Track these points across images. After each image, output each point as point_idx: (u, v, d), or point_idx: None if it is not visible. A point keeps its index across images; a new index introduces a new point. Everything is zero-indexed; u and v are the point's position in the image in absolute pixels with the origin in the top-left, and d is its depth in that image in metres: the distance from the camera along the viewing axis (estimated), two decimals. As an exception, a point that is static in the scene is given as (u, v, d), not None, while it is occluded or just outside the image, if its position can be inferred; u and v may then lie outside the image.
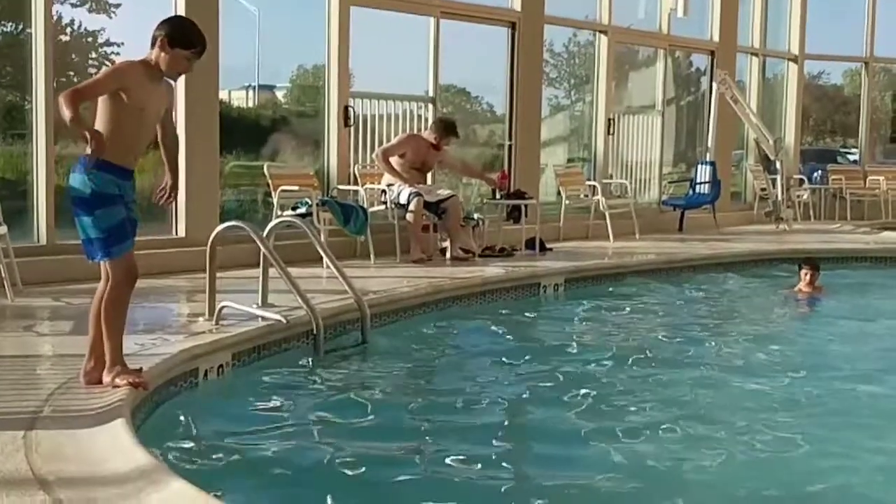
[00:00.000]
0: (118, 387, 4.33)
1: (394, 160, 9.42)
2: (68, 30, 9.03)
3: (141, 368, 4.52)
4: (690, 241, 11.68)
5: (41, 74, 7.61)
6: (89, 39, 9.31)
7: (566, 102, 14.45)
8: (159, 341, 5.26)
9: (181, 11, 8.30)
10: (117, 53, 9.25)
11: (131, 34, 8.92)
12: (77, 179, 4.42)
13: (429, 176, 10.03)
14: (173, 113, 5.04)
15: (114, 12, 9.08)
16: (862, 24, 16.37)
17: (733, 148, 15.01)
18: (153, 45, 4.47)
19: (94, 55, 9.51)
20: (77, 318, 6.20)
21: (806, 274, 8.79)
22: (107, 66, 9.53)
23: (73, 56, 9.40)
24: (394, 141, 9.68)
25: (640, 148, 13.51)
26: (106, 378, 4.42)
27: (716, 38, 14.26)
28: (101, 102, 4.38)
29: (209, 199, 8.62)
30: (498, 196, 10.28)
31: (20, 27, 8.15)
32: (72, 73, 9.45)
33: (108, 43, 9.40)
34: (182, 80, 8.32)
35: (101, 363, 4.47)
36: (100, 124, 4.36)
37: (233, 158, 10.30)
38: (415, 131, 10.20)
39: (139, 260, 7.92)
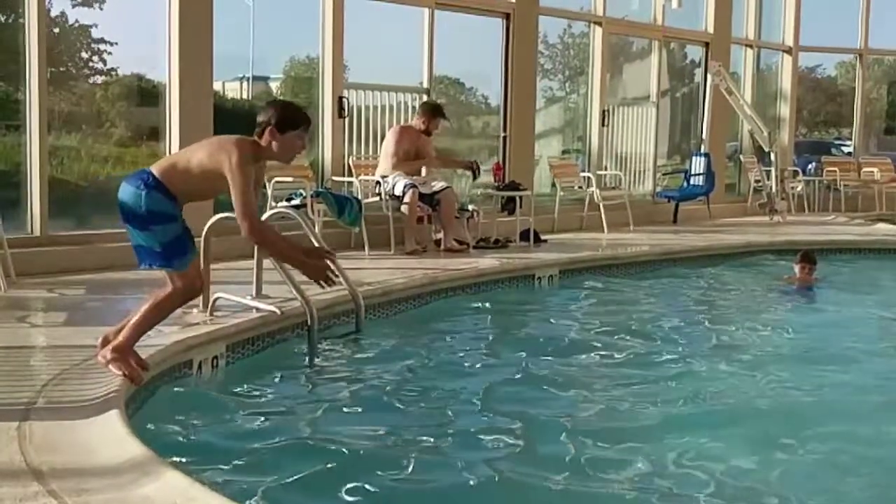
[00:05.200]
0: (110, 370, 4.39)
1: (391, 152, 9.34)
2: (60, 20, 8.99)
3: (146, 367, 4.54)
4: (684, 233, 11.69)
5: (35, 64, 7.58)
6: (81, 30, 9.28)
7: (560, 94, 14.45)
8: (153, 332, 5.21)
9: (176, 1, 8.28)
10: (115, 44, 9.25)
11: (123, 24, 8.91)
12: (130, 193, 4.48)
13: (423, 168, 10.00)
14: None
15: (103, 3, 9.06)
16: (856, 16, 16.38)
17: (727, 140, 15.01)
18: (261, 134, 4.56)
19: (86, 45, 9.48)
20: (71, 309, 6.21)
21: (804, 268, 8.81)
22: (99, 56, 9.55)
23: (63, 46, 9.36)
24: (391, 144, 9.38)
25: (634, 139, 13.50)
26: (105, 354, 4.47)
27: (710, 29, 14.25)
28: (203, 167, 4.49)
29: (203, 191, 8.59)
30: (473, 177, 10.10)
31: (12, 17, 8.12)
32: (63, 68, 9.44)
33: (101, 40, 9.39)
34: (176, 71, 8.38)
35: (125, 348, 4.52)
36: (189, 170, 4.49)
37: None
38: (402, 123, 10.10)
39: (133, 251, 7.93)
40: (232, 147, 4.45)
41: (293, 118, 4.62)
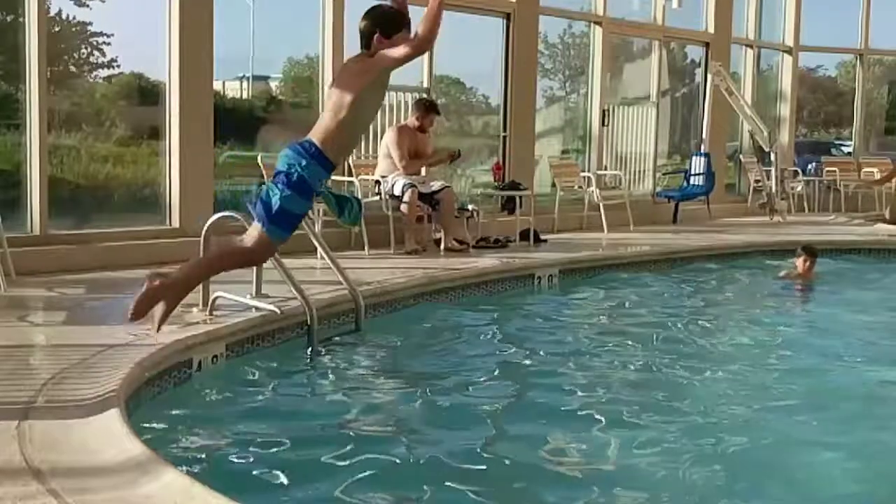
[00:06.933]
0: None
1: (398, 155, 9.29)
2: (60, 19, 8.99)
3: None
4: (685, 233, 11.69)
5: (35, 63, 7.58)
6: (82, 29, 9.28)
7: (561, 94, 14.47)
8: (154, 331, 5.25)
9: (176, 0, 8.28)
10: (115, 41, 9.25)
11: (123, 23, 8.91)
12: (291, 157, 4.53)
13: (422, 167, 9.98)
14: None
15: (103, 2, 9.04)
16: (857, 16, 16.38)
17: (727, 139, 15.02)
18: (368, 44, 4.57)
19: (86, 44, 9.48)
20: (70, 308, 6.21)
21: (805, 261, 8.82)
22: (100, 55, 9.54)
23: (64, 45, 9.37)
24: (394, 148, 9.30)
25: (634, 139, 13.50)
26: (155, 282, 4.49)
27: (710, 29, 14.25)
28: (366, 92, 4.53)
29: (203, 190, 8.60)
30: (451, 161, 9.99)
31: (13, 16, 8.12)
32: (61, 65, 9.44)
33: (101, 38, 9.39)
34: (176, 70, 8.38)
35: (174, 288, 4.54)
36: (342, 123, 4.51)
37: (227, 149, 10.29)
38: (400, 122, 10.02)
39: (134, 250, 7.97)
40: (357, 65, 4.56)
41: (396, 20, 4.62)
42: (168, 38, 8.35)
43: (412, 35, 4.54)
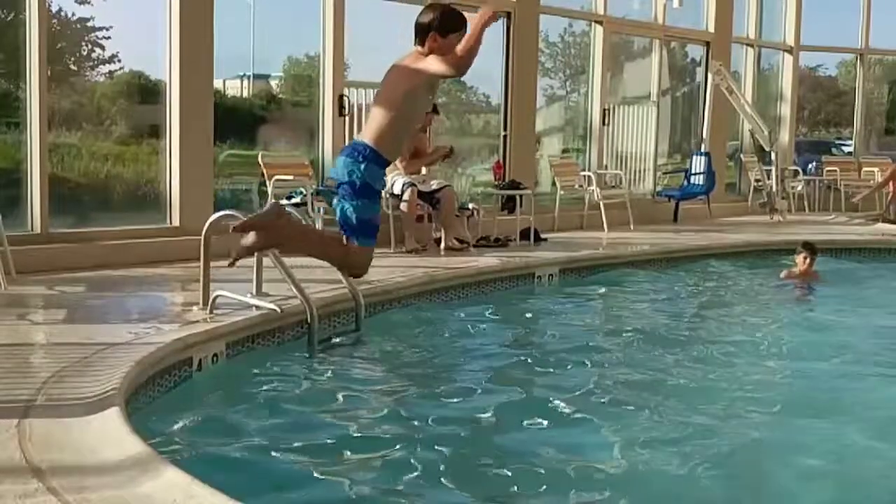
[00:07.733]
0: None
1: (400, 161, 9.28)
2: (61, 17, 8.99)
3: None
4: (685, 232, 11.70)
5: (35, 62, 7.58)
6: (82, 27, 9.28)
7: (561, 93, 14.45)
8: (153, 330, 5.26)
9: (176, -1, 8.30)
10: (116, 40, 9.27)
11: (124, 22, 8.92)
12: (349, 164, 4.54)
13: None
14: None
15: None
16: (857, 16, 16.38)
17: (728, 139, 15.02)
18: (423, 41, 4.58)
19: (87, 42, 9.48)
20: (70, 306, 6.21)
21: (805, 258, 8.83)
22: (100, 54, 9.54)
23: (64, 44, 9.37)
24: None
25: (634, 139, 13.51)
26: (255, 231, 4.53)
27: (711, 28, 14.26)
28: (416, 92, 4.55)
29: (203, 188, 8.60)
30: (444, 156, 9.95)
31: (13, 14, 8.12)
32: (62, 63, 9.44)
33: (102, 37, 9.40)
34: (176, 69, 8.39)
35: (281, 233, 4.61)
36: (394, 123, 4.53)
37: (227, 147, 10.29)
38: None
39: (134, 248, 7.99)
40: (409, 65, 4.55)
41: (454, 20, 4.62)
42: (168, 36, 8.35)
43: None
